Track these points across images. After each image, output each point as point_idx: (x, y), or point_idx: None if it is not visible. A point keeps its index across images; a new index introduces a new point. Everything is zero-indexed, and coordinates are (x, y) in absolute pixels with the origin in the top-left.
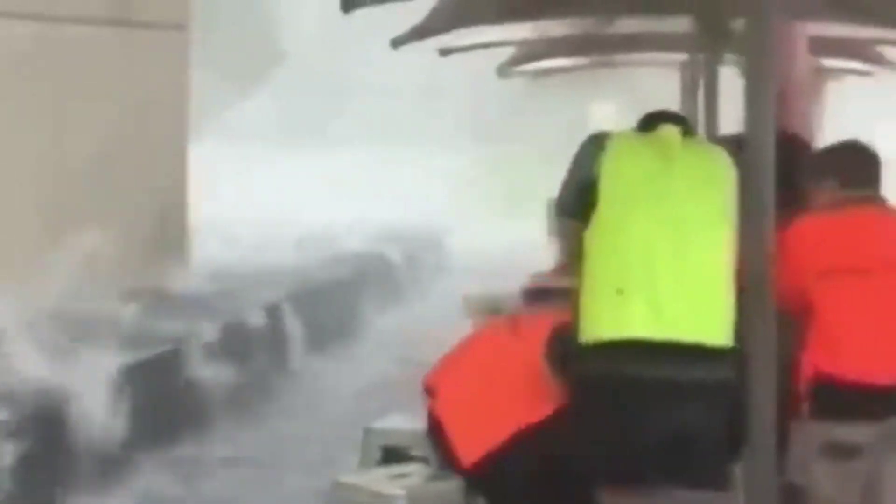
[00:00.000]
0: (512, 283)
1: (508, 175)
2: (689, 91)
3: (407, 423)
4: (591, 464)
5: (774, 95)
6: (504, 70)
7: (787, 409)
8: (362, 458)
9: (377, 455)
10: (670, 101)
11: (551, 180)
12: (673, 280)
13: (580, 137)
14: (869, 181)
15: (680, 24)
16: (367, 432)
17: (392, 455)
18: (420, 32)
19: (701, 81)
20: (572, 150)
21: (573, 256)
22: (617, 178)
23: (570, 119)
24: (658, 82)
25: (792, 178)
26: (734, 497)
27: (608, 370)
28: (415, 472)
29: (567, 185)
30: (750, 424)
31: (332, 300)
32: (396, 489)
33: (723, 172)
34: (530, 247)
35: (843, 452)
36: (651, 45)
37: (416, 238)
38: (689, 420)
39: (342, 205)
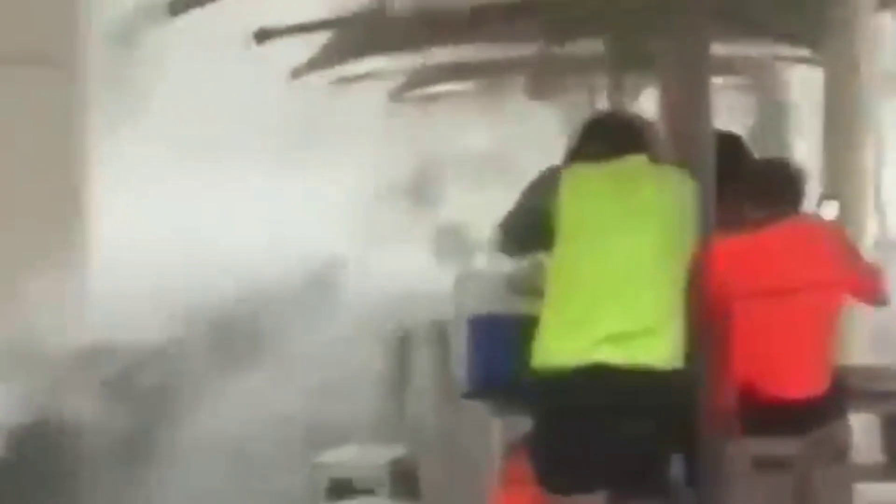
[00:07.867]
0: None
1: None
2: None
3: (354, 455)
4: (552, 478)
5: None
6: (395, 95)
7: (714, 426)
8: (310, 493)
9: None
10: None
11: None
12: (625, 310)
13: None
14: (789, 200)
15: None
16: (315, 467)
17: (340, 488)
18: (314, 64)
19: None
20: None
21: (522, 285)
22: (575, 212)
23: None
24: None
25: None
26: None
27: (567, 396)
28: None
29: (516, 215)
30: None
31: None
32: None
33: (683, 200)
34: (418, 271)
35: (772, 466)
36: (560, 67)
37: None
38: (640, 437)
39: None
